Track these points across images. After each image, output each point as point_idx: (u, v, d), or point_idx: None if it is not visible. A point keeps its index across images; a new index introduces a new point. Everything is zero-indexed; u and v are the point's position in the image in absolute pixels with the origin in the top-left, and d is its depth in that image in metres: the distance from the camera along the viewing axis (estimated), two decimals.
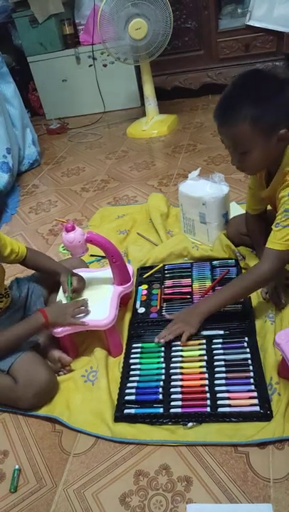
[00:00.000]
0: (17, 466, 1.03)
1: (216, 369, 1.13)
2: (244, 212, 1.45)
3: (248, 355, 1.14)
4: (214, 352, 1.17)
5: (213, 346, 1.19)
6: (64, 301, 1.26)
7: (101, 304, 1.24)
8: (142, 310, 1.38)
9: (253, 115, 1.03)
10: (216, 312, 1.22)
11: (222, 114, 1.10)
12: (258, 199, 1.34)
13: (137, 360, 1.21)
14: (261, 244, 1.35)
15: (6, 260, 1.24)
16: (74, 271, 1.34)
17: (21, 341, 1.16)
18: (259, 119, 1.04)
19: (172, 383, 1.12)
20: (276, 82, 1.05)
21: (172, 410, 1.06)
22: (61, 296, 1.30)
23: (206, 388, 1.09)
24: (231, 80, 1.12)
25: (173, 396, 1.09)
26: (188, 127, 2.86)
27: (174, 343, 1.23)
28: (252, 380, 1.08)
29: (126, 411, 1.08)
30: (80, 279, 1.31)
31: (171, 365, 1.17)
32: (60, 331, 1.20)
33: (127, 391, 1.13)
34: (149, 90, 2.84)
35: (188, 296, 1.39)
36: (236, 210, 1.65)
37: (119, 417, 1.07)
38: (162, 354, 1.21)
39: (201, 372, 1.13)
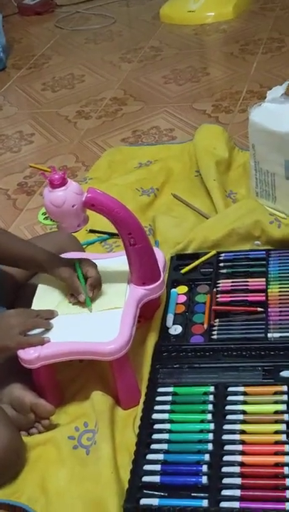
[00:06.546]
0: None
1: None
2: None
3: None
4: None
5: None
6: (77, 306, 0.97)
7: (106, 317, 0.95)
8: (176, 329, 1.10)
9: None
10: None
11: None
12: None
13: (166, 416, 0.95)
14: None
15: None
16: (63, 255, 1.02)
17: None
18: None
19: (225, 458, 0.88)
20: None
21: (224, 504, 0.82)
22: (41, 306, 0.98)
23: (286, 470, 0.84)
24: None
25: (226, 480, 0.85)
26: (273, 8, 2.22)
27: (230, 389, 0.97)
28: None
29: (144, 501, 0.84)
30: (94, 266, 1.01)
31: (226, 426, 0.92)
32: (33, 359, 0.90)
33: (148, 467, 0.89)
34: None
35: (261, 309, 1.10)
36: None
37: (133, 510, 0.84)
38: (210, 407, 0.95)
39: (276, 442, 0.88)
